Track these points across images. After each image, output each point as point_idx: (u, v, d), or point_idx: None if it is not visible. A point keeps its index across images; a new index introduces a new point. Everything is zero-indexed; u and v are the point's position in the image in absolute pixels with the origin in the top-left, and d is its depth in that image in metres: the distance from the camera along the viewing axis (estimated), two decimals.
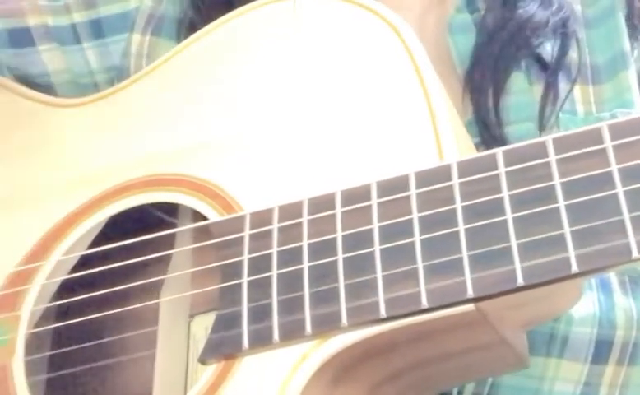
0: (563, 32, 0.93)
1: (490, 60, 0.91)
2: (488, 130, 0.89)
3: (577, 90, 0.94)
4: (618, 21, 0.96)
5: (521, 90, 0.92)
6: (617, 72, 0.94)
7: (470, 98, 0.91)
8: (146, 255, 0.80)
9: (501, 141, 0.88)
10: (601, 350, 0.88)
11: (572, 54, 0.93)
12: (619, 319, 0.88)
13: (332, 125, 0.77)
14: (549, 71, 0.92)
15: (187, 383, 0.85)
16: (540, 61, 0.93)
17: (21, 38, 1.01)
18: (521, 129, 0.90)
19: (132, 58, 0.98)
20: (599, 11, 0.97)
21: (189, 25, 0.95)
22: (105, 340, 0.86)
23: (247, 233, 0.75)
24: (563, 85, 0.92)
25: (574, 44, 0.93)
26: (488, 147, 0.86)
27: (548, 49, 0.93)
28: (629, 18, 0.96)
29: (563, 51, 0.93)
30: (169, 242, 0.84)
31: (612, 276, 0.89)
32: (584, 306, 0.87)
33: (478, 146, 0.87)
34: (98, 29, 1.00)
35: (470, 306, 0.68)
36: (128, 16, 0.99)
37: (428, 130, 0.74)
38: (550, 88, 0.91)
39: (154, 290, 0.83)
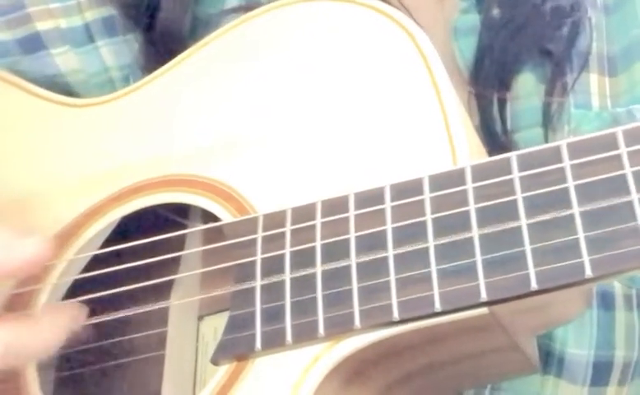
0: (573, 21, 0.88)
1: (494, 55, 0.87)
2: (493, 138, 0.87)
3: (593, 80, 0.90)
4: (635, 6, 0.91)
5: (531, 94, 0.88)
6: (631, 62, 0.90)
7: (476, 104, 0.88)
8: (156, 256, 0.80)
9: (507, 149, 0.84)
10: (600, 373, 0.86)
11: (585, 42, 0.89)
12: (619, 340, 0.86)
13: (346, 127, 0.77)
14: (555, 60, 0.88)
15: (195, 384, 0.85)
16: (549, 54, 0.88)
17: (32, 44, 0.99)
18: (530, 135, 0.87)
19: None
20: None
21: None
22: (115, 340, 0.86)
23: (260, 234, 0.75)
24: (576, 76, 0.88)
25: (586, 31, 0.88)
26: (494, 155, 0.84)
27: (557, 44, 0.88)
28: None
29: (572, 39, 0.88)
30: (180, 243, 0.84)
31: (617, 290, 0.87)
32: (580, 326, 0.85)
33: None
34: (111, 26, 0.98)
35: (484, 310, 0.68)
36: None
37: (441, 134, 0.74)
38: (557, 77, 0.88)
39: (164, 291, 0.83)
